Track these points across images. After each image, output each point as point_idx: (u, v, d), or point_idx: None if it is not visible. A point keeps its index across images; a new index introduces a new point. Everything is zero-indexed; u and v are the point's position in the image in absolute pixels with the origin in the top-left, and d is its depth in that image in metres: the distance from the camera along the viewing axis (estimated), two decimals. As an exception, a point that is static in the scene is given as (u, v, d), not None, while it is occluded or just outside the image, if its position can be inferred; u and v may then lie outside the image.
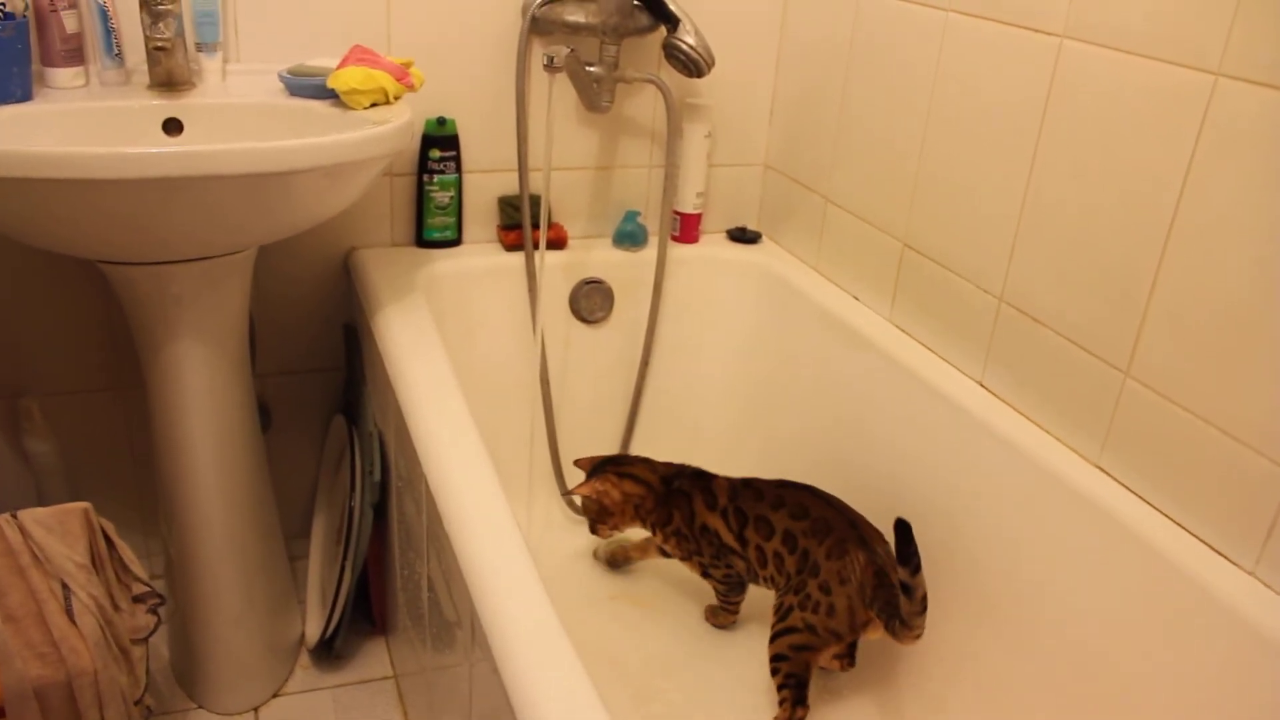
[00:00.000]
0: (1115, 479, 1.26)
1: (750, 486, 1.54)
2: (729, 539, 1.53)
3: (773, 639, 1.45)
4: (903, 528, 1.28)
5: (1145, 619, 1.17)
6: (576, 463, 1.67)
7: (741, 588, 1.62)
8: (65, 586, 1.25)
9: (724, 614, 1.69)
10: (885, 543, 1.42)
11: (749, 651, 1.63)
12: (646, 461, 1.63)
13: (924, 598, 1.30)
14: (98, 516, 1.35)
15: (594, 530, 1.63)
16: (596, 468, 1.62)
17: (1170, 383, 1.18)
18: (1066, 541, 1.27)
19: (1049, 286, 1.33)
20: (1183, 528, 1.18)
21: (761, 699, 1.55)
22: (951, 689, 1.46)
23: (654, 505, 1.59)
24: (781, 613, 1.44)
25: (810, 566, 1.42)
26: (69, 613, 1.24)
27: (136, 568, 1.39)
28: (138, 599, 1.40)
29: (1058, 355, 1.33)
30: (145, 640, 1.39)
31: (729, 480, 1.56)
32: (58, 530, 1.28)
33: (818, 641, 1.41)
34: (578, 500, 1.70)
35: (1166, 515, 1.20)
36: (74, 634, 1.24)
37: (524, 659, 0.96)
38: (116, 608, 1.34)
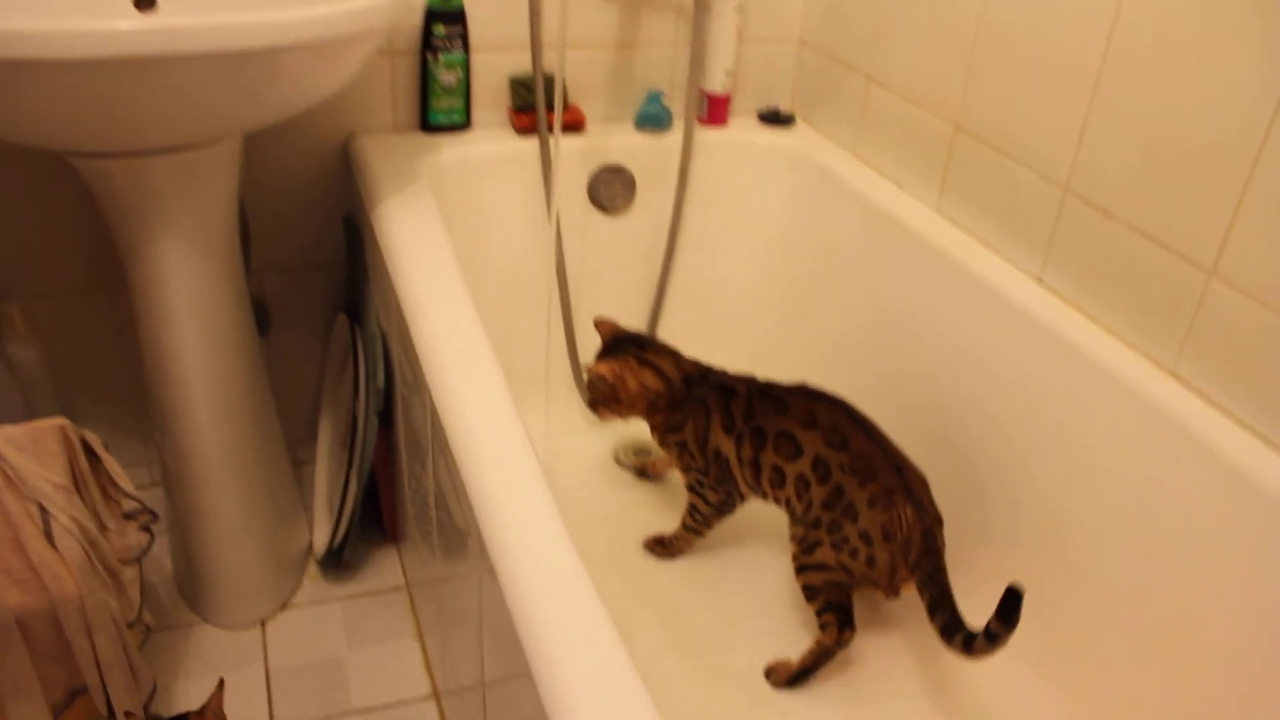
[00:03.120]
0: (1193, 388, 1.14)
1: (770, 396, 1.39)
2: (736, 469, 1.41)
3: (801, 569, 1.35)
4: (1014, 597, 1.12)
5: (1223, 542, 1.07)
6: (597, 323, 1.52)
7: (728, 513, 1.50)
8: (43, 509, 1.15)
9: (679, 543, 1.55)
10: (928, 489, 1.30)
11: (777, 568, 1.54)
12: (673, 355, 1.48)
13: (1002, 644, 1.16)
14: (78, 430, 1.25)
15: (592, 408, 1.49)
16: (617, 344, 1.48)
17: (1264, 285, 1.04)
18: (1135, 455, 1.16)
19: (1124, 175, 1.19)
20: (1271, 445, 1.06)
21: (792, 617, 1.46)
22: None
23: (667, 407, 1.45)
24: (807, 546, 1.33)
25: (846, 507, 1.29)
26: (49, 537, 1.15)
27: (125, 482, 1.30)
28: (128, 516, 1.31)
29: (1130, 251, 1.19)
30: (138, 560, 1.30)
31: (747, 389, 1.41)
32: (31, 449, 1.19)
33: (853, 582, 1.31)
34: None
35: (1253, 430, 1.08)
36: (55, 559, 1.15)
37: (529, 580, 0.88)
38: (104, 528, 1.25)
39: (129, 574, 1.28)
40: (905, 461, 1.31)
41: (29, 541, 1.14)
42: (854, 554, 1.28)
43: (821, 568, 1.32)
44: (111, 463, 1.29)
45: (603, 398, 1.46)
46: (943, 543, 1.27)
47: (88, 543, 1.18)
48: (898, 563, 1.27)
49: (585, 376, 1.47)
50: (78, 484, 1.22)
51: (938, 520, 1.28)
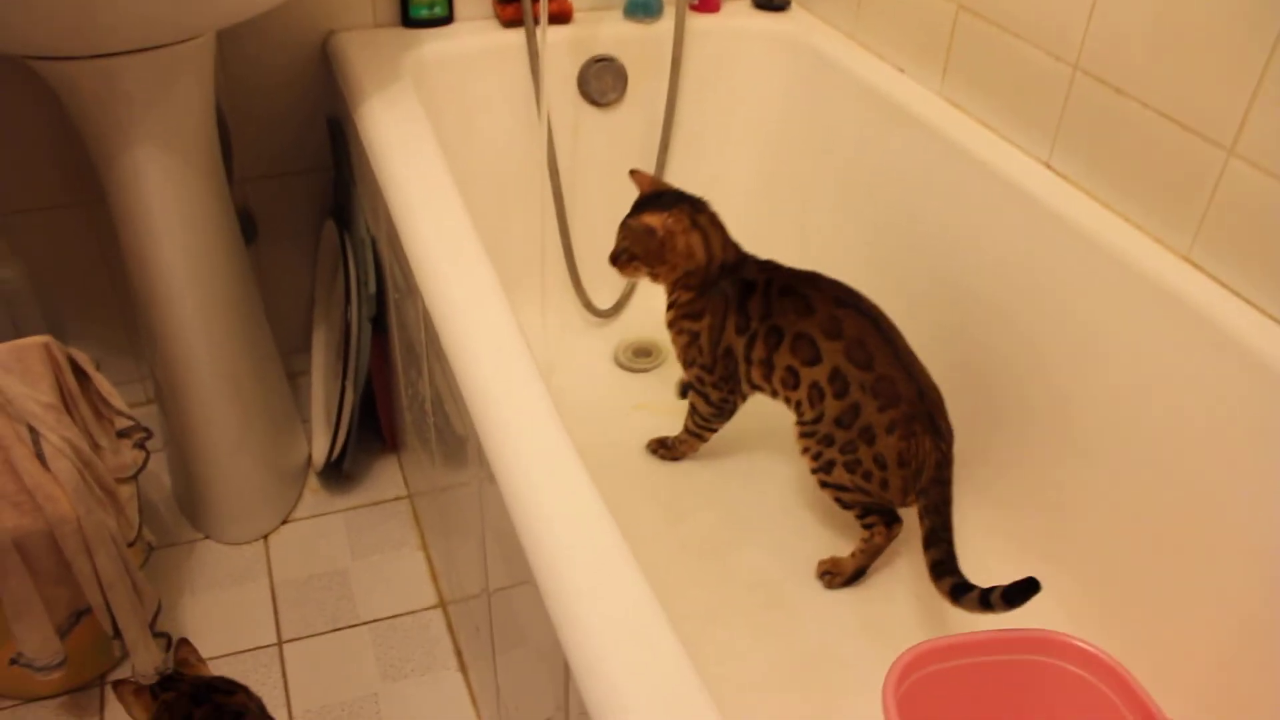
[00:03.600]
0: (1208, 274, 1.10)
1: (793, 293, 1.29)
2: (743, 369, 1.35)
3: (823, 485, 1.32)
4: (1030, 587, 1.07)
5: (1238, 426, 1.04)
6: (634, 174, 1.40)
7: (728, 416, 1.44)
8: (32, 430, 1.13)
9: (683, 447, 1.51)
10: (944, 409, 1.26)
11: (785, 465, 1.52)
12: (724, 232, 1.36)
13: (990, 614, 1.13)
14: (65, 349, 1.22)
15: (616, 261, 1.37)
16: (663, 197, 1.35)
17: (1286, 161, 1.00)
18: (1148, 341, 1.13)
19: (1137, 50, 1.13)
20: (1289, 330, 1.03)
21: (803, 518, 1.45)
22: (1022, 500, 1.36)
23: (696, 288, 1.35)
24: (824, 464, 1.29)
25: (863, 429, 1.24)
26: (40, 458, 1.13)
27: (116, 400, 1.28)
28: (121, 434, 1.29)
29: (1144, 131, 1.14)
30: (134, 478, 1.28)
31: (766, 284, 1.32)
32: (17, 369, 1.15)
33: (870, 500, 1.29)
34: (637, 228, 1.33)
35: (1271, 315, 1.04)
36: (48, 480, 1.13)
37: (530, 483, 0.86)
38: (96, 446, 1.23)
39: (125, 492, 1.26)
40: (926, 381, 1.26)
41: (20, 462, 1.11)
42: (867, 476, 1.26)
43: (841, 487, 1.29)
44: (101, 381, 1.26)
45: (643, 251, 1.34)
46: (952, 460, 1.25)
47: (80, 462, 1.16)
48: (909, 487, 1.25)
49: (624, 226, 1.35)
50: (67, 403, 1.20)
51: (950, 439, 1.25)
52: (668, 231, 1.31)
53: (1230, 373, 1.04)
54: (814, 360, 1.27)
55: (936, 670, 1.02)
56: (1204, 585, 1.10)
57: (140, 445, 1.29)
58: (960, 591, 1.14)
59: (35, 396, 1.15)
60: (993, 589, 1.10)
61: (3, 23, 1.06)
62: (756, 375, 1.35)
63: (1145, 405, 1.14)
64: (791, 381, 1.30)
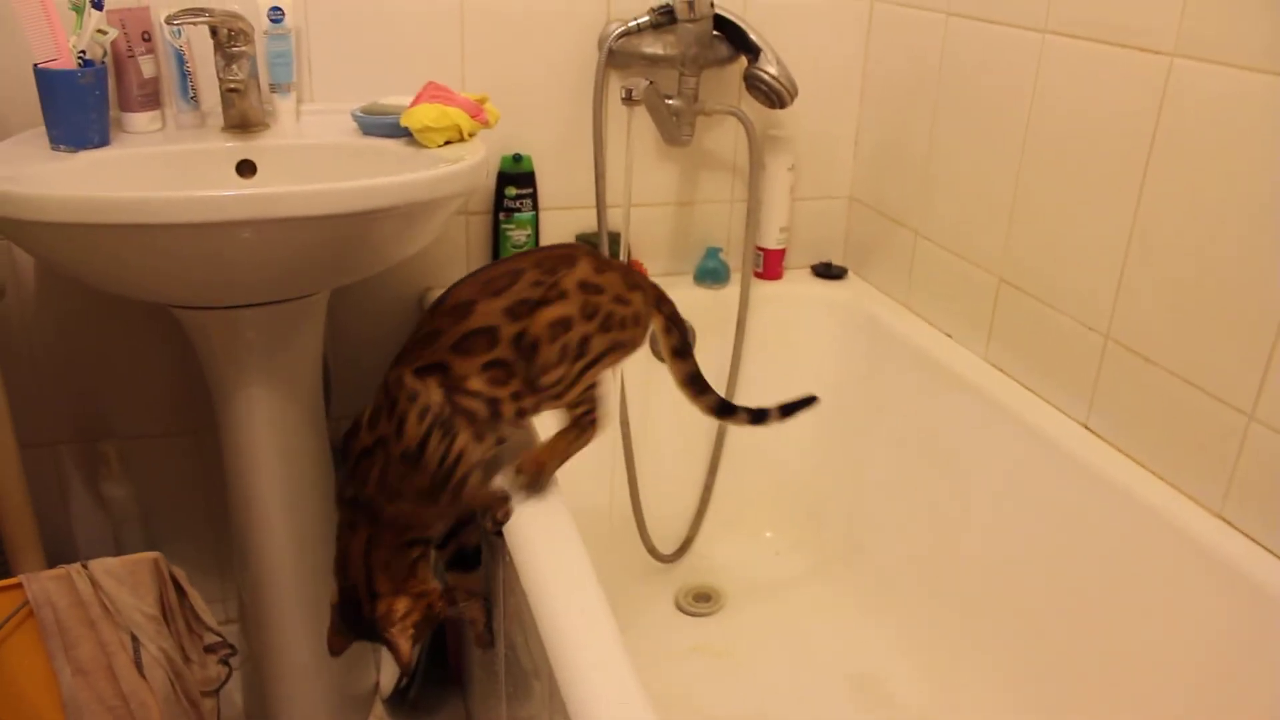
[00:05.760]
0: (1239, 530, 1.16)
1: (421, 345, 1.15)
2: (506, 414, 1.17)
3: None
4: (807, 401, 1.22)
5: (1273, 680, 1.07)
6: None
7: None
8: (135, 639, 1.22)
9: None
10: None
11: (844, 700, 1.55)
12: None
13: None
14: (169, 565, 1.32)
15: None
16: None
17: (1302, 427, 1.08)
18: (1187, 600, 1.18)
19: (1161, 322, 1.24)
20: (1319, 586, 1.08)
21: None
22: None
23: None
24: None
25: (582, 342, 1.16)
26: (138, 665, 1.21)
27: (208, 617, 1.37)
28: (209, 649, 1.37)
29: (1172, 396, 1.23)
30: (215, 692, 1.36)
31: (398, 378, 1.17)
32: (128, 581, 1.26)
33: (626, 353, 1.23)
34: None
35: (1301, 572, 1.10)
36: (144, 688, 1.21)
37: None
38: (187, 659, 1.31)
39: (208, 705, 1.33)
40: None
41: (120, 669, 1.20)
42: (622, 324, 1.19)
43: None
44: (196, 597, 1.36)
45: None
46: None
47: (173, 673, 1.24)
48: (649, 310, 1.24)
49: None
50: (166, 616, 1.29)
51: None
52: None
53: (1264, 624, 1.09)
54: (492, 345, 1.14)
55: None
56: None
57: (224, 661, 1.37)
58: (723, 410, 1.24)
59: (140, 607, 1.25)
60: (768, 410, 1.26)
61: (159, 280, 1.23)
62: (511, 412, 1.18)
63: (1183, 658, 1.18)
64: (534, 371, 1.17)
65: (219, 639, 1.37)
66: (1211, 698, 1.15)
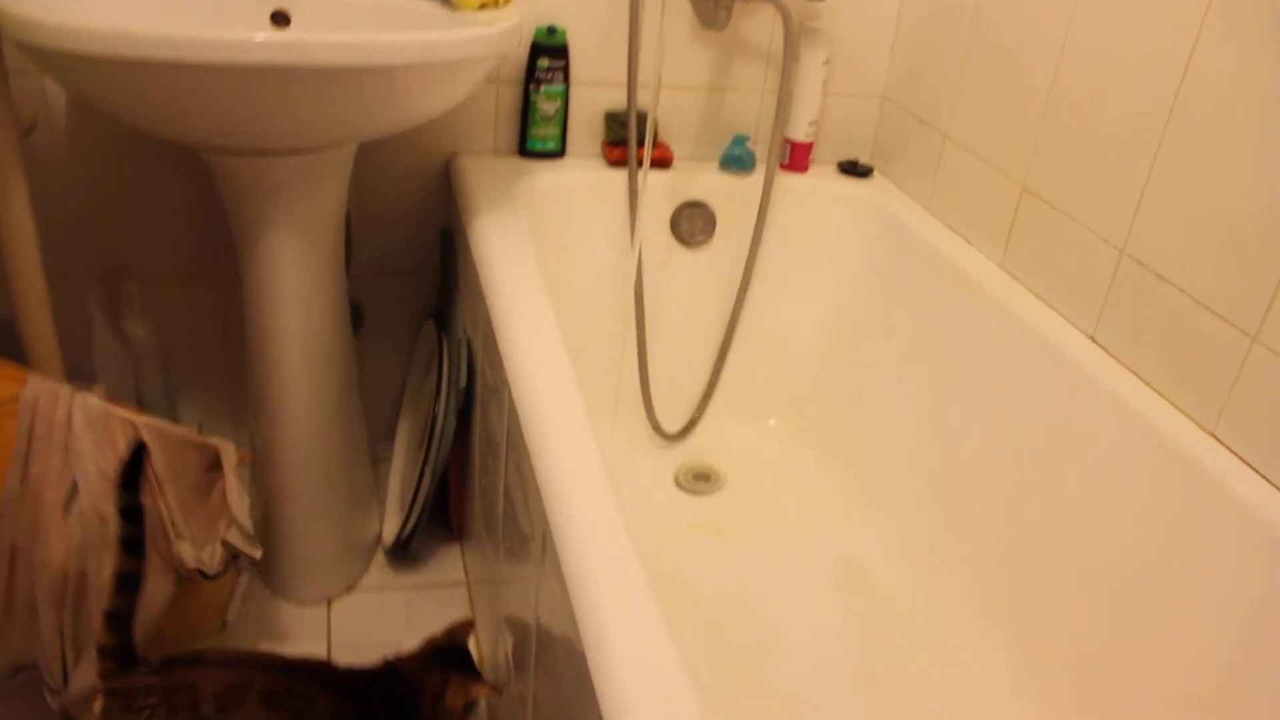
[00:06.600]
0: (1229, 448, 1.18)
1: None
2: None
3: None
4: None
5: (1247, 596, 1.11)
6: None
7: None
8: (75, 486, 1.22)
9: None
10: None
11: (827, 583, 1.60)
12: None
13: None
14: (216, 441, 1.33)
15: None
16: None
17: (1302, 351, 1.10)
18: (1177, 515, 1.21)
19: (1176, 241, 1.25)
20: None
21: (857, 636, 1.52)
22: (1042, 643, 1.42)
23: None
24: None
25: None
26: (66, 508, 1.22)
27: (240, 512, 1.34)
28: (225, 546, 1.35)
29: (1180, 315, 1.25)
30: (217, 576, 1.35)
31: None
32: (96, 428, 1.25)
33: None
34: None
35: (1285, 493, 1.12)
36: (59, 528, 1.21)
37: (594, 582, 0.93)
38: (178, 535, 1.30)
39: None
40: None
41: (46, 496, 1.21)
42: None
43: None
44: (234, 487, 1.36)
45: None
46: None
47: (100, 538, 1.25)
48: None
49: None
50: (148, 491, 1.27)
51: None
52: None
53: (1243, 542, 1.12)
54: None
55: None
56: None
57: (234, 558, 1.35)
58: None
59: (98, 461, 1.24)
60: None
61: (188, 121, 1.24)
62: None
63: (1157, 566, 1.21)
64: None
65: (238, 547, 1.33)
66: (1181, 599, 1.19)
